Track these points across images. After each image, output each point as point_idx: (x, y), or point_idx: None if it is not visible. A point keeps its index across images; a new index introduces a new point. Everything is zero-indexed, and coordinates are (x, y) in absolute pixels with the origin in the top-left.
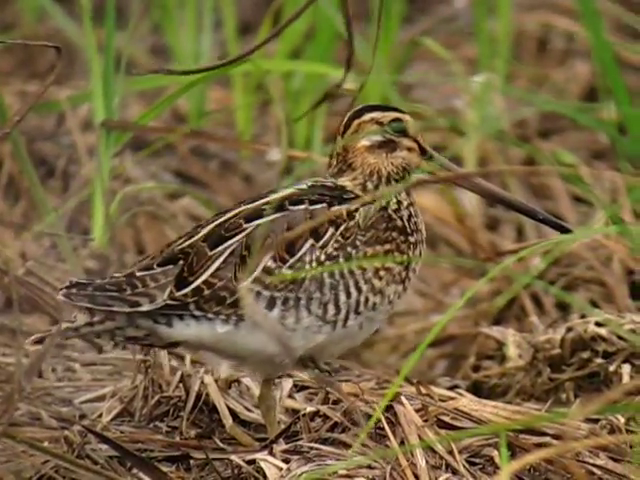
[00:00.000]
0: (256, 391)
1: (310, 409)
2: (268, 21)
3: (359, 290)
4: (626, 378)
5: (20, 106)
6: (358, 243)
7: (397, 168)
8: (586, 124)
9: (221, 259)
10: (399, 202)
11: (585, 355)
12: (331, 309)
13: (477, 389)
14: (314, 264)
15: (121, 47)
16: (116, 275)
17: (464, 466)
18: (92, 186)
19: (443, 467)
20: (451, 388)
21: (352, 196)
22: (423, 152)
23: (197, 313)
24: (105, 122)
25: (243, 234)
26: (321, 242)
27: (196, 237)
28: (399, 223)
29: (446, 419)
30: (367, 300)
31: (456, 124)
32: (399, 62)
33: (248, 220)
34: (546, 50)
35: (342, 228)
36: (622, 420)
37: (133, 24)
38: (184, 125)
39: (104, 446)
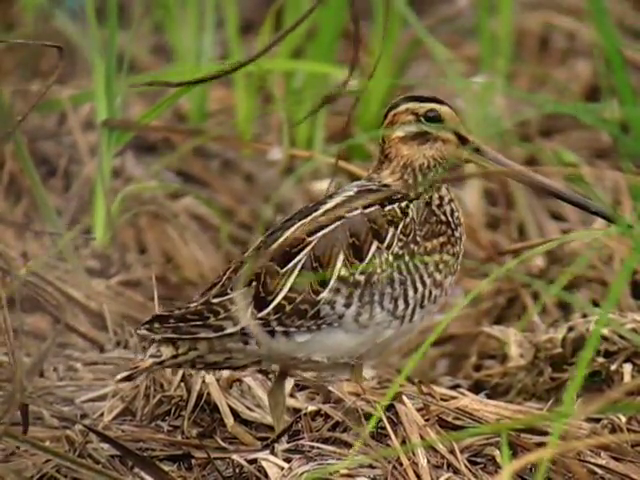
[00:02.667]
0: (258, 390)
1: (311, 408)
2: (270, 20)
3: (424, 284)
4: (627, 377)
5: (22, 106)
6: (418, 239)
7: (429, 160)
8: (588, 123)
9: (294, 275)
10: (441, 197)
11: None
12: (401, 304)
13: (479, 388)
14: (384, 266)
15: (123, 47)
16: (190, 305)
17: (465, 465)
18: (94, 185)
19: (445, 466)
20: (453, 387)
21: (399, 196)
22: (464, 142)
23: (279, 329)
24: (106, 121)
25: (309, 248)
26: (385, 243)
27: (264, 258)
28: (443, 218)
29: (448, 418)
30: (430, 293)
31: None
32: (400, 62)
33: (310, 234)
34: (548, 49)
35: (401, 226)
36: (623, 419)
37: (135, 24)
38: (185, 124)
39: (106, 445)
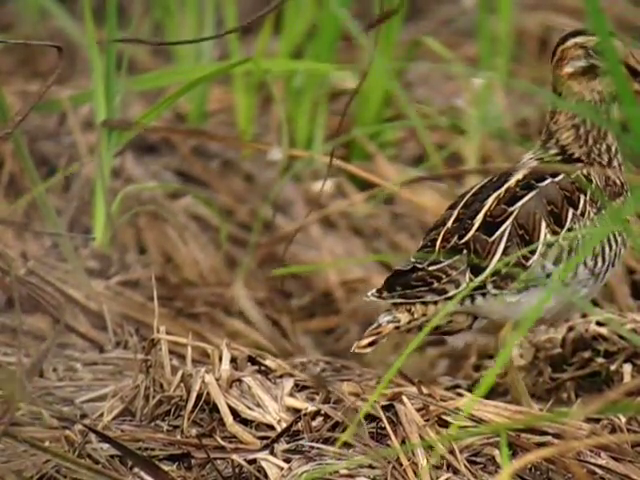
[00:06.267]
0: (257, 390)
1: (311, 408)
2: (269, 21)
3: (616, 242)
4: (627, 378)
5: (21, 106)
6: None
7: (601, 94)
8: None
9: (503, 241)
10: (608, 148)
11: (586, 355)
12: (599, 262)
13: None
14: (583, 231)
15: (122, 47)
16: (400, 269)
17: (465, 465)
18: (93, 186)
19: (444, 467)
20: (452, 387)
21: (581, 163)
22: (635, 74)
23: (494, 292)
24: (106, 122)
25: (512, 217)
26: (579, 210)
27: (471, 232)
28: (618, 182)
29: (447, 418)
30: (620, 252)
31: (457, 123)
32: (400, 62)
33: (509, 204)
34: (547, 49)
35: (589, 193)
36: (623, 420)
37: (135, 24)
38: (185, 124)
39: (105, 445)
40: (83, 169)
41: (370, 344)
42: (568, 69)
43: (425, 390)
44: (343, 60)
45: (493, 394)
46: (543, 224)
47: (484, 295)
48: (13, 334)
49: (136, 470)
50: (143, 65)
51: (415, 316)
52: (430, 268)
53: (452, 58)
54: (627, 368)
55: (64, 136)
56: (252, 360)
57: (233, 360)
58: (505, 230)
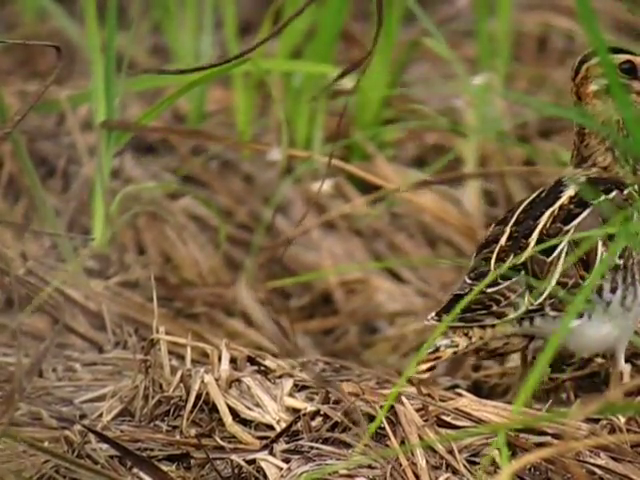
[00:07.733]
0: (257, 390)
1: (311, 408)
2: (269, 21)
3: None
4: (626, 378)
5: (20, 106)
6: None
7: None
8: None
9: (561, 261)
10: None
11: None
12: None
13: (477, 389)
14: (638, 249)
15: (122, 47)
16: (459, 293)
17: (464, 466)
18: (93, 186)
19: (443, 467)
20: (451, 388)
21: (622, 183)
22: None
23: (552, 314)
24: (105, 122)
25: (569, 235)
26: None
27: (528, 250)
28: None
29: (447, 419)
30: None
31: (456, 124)
32: (400, 62)
33: (564, 223)
34: (546, 50)
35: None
36: (622, 420)
37: (134, 24)
38: (184, 125)
39: (104, 445)
40: (82, 169)
41: (429, 369)
42: (593, 87)
43: (424, 390)
44: (342, 61)
45: (492, 394)
46: (599, 243)
47: (543, 316)
48: (12, 334)
49: (135, 470)
50: (142, 65)
51: (473, 340)
52: (488, 290)
53: (451, 58)
54: (626, 368)
55: (63, 136)
56: (251, 360)
57: (232, 360)
58: (563, 249)
